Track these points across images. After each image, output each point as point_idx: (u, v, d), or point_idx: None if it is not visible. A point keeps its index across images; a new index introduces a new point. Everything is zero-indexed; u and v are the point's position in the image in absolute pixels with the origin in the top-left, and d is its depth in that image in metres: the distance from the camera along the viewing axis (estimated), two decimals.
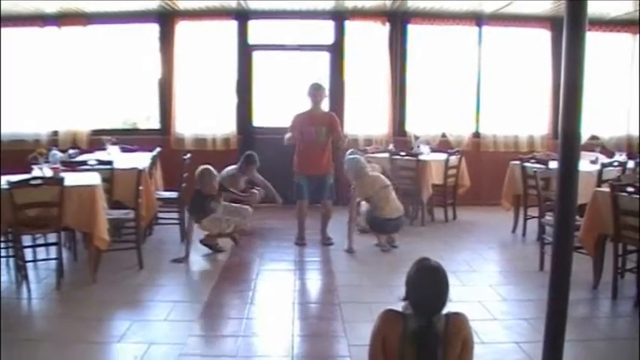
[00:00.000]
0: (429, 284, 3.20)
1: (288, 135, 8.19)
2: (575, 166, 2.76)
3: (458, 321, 3.20)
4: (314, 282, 6.76)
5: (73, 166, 7.49)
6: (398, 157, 9.52)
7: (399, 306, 3.24)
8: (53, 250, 6.51)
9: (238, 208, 8.02)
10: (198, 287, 6.62)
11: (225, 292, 6.41)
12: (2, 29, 10.17)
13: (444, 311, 3.21)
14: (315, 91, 8.22)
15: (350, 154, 8.35)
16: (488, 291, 6.39)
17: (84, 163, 7.61)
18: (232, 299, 6.30)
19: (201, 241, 7.77)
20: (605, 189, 6.24)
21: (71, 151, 8.83)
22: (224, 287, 6.54)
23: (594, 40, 10.60)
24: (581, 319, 5.57)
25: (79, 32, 10.73)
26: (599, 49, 10.90)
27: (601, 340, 5.14)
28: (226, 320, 5.65)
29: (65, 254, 6.96)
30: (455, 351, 3.13)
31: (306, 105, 8.24)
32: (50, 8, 10.25)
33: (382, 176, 8.21)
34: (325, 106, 8.66)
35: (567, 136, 2.71)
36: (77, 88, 10.82)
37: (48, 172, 6.65)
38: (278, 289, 6.51)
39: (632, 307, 5.84)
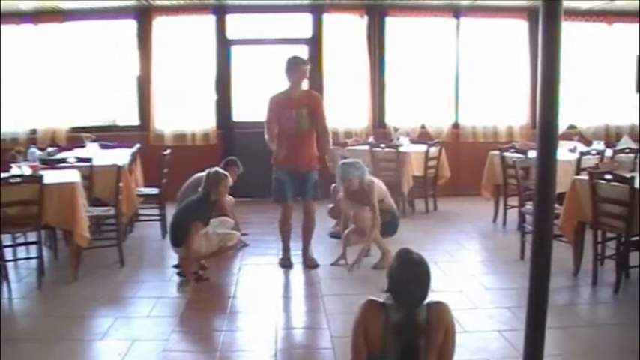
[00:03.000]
0: (410, 277, 3.19)
1: (267, 136, 6.78)
2: (553, 155, 2.77)
3: (439, 310, 3.21)
4: (297, 275, 6.77)
5: (52, 163, 7.43)
6: (378, 149, 9.54)
7: (382, 297, 3.26)
8: (34, 248, 6.45)
9: (222, 219, 6.84)
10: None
11: (207, 288, 6.39)
12: None
13: (426, 301, 3.23)
14: (294, 65, 6.82)
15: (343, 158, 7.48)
16: (470, 280, 6.43)
17: (63, 160, 7.56)
18: (214, 294, 6.29)
19: (179, 270, 6.53)
20: (584, 177, 6.30)
21: (50, 149, 8.76)
22: (206, 282, 6.52)
23: (571, 30, 10.69)
24: (562, 306, 5.63)
25: (55, 29, 10.63)
26: (576, 39, 10.98)
27: (581, 327, 5.19)
28: (209, 315, 5.64)
29: (46, 253, 6.94)
30: (437, 340, 3.14)
31: (284, 85, 6.92)
32: (26, 5, 10.16)
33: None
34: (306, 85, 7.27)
35: (545, 125, 2.72)
36: (55, 85, 10.73)
37: (27, 171, 6.59)
38: (260, 283, 6.51)
39: (611, 293, 5.91)
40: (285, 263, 7.03)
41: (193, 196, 6.55)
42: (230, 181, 6.60)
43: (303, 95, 6.91)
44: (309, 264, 6.98)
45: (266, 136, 6.77)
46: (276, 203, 7.07)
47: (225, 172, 6.56)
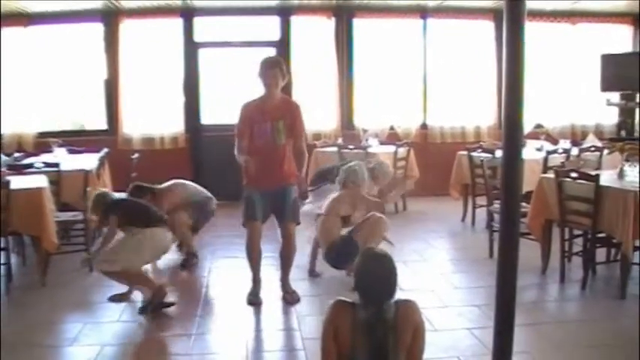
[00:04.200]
0: (374, 272, 3.22)
1: (236, 151, 5.83)
2: (518, 154, 2.80)
3: (408, 308, 3.23)
4: (267, 277, 6.75)
5: (18, 169, 7.35)
6: (347, 150, 9.55)
7: (352, 297, 3.27)
8: (1, 255, 6.37)
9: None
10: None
11: (176, 290, 6.36)
12: None
13: (394, 299, 3.25)
14: (269, 68, 5.74)
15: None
16: (440, 279, 6.48)
17: (30, 165, 7.48)
18: (184, 297, 6.24)
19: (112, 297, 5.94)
20: (550, 175, 6.38)
21: (17, 155, 8.68)
22: (175, 285, 6.48)
23: (536, 31, 10.84)
24: (530, 303, 5.71)
25: (20, 33, 10.50)
26: (542, 39, 11.11)
27: (550, 323, 5.26)
28: (179, 319, 5.60)
29: (14, 259, 6.86)
30: (406, 338, 3.16)
31: (257, 92, 5.89)
32: None
33: None
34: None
35: (510, 124, 2.74)
36: (21, 90, 10.58)
37: None
38: (231, 286, 6.48)
39: (579, 289, 6.00)
40: (253, 300, 5.90)
41: None
42: None
43: (279, 104, 5.85)
44: (289, 299, 5.92)
45: (235, 151, 5.84)
46: (244, 226, 5.95)
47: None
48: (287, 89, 9.84)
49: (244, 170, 5.81)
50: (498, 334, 2.83)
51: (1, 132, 10.60)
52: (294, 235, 6.01)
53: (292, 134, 5.83)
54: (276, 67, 5.75)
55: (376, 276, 3.21)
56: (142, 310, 5.58)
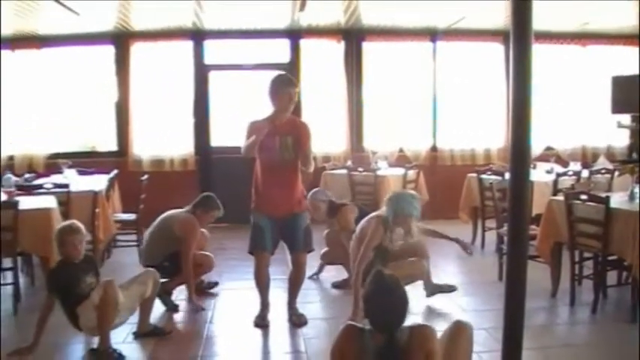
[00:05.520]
0: (382, 298, 3.18)
1: (243, 147, 5.64)
2: (526, 176, 2.79)
3: (422, 333, 3.18)
4: (274, 299, 6.70)
5: (28, 189, 7.37)
6: (356, 172, 9.54)
7: (364, 323, 3.24)
8: (9, 275, 6.37)
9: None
10: (157, 308, 6.53)
11: (184, 314, 6.35)
12: None
13: (409, 323, 3.21)
14: (282, 87, 5.62)
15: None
16: (448, 302, 6.43)
17: (40, 186, 7.50)
18: (192, 320, 6.22)
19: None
20: (560, 197, 6.35)
21: (27, 175, 8.71)
22: (183, 307, 6.46)
23: (547, 53, 10.85)
24: (539, 326, 5.65)
25: (33, 55, 10.61)
26: (552, 61, 11.14)
27: (559, 347, 5.21)
28: (187, 341, 5.56)
29: (22, 279, 6.85)
30: None
31: (266, 110, 5.79)
32: (3, 31, 10.12)
33: None
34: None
35: (518, 147, 2.74)
36: (33, 111, 10.69)
37: (2, 196, 6.55)
38: (238, 308, 6.45)
39: (589, 313, 5.93)
40: (260, 323, 5.85)
41: None
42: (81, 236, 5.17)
43: (289, 122, 5.74)
44: (296, 321, 5.87)
45: (242, 150, 5.66)
46: (251, 250, 5.86)
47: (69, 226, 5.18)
48: (296, 111, 9.91)
49: (253, 194, 5.74)
50: (506, 357, 2.81)
51: (13, 153, 10.68)
52: (305, 263, 5.95)
53: (299, 150, 5.66)
54: (291, 87, 5.65)
55: (384, 302, 3.17)
56: (136, 335, 5.51)
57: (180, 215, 6.56)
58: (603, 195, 5.98)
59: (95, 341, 5.04)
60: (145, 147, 11.01)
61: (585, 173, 8.55)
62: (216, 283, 7.13)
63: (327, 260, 7.39)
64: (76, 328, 5.06)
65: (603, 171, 8.58)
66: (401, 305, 3.19)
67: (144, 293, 5.38)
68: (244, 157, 5.67)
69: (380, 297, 3.19)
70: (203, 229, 6.82)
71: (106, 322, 4.90)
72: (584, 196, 5.98)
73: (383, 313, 3.16)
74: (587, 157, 11.23)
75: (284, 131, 5.65)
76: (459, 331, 3.52)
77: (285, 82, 5.68)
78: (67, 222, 5.35)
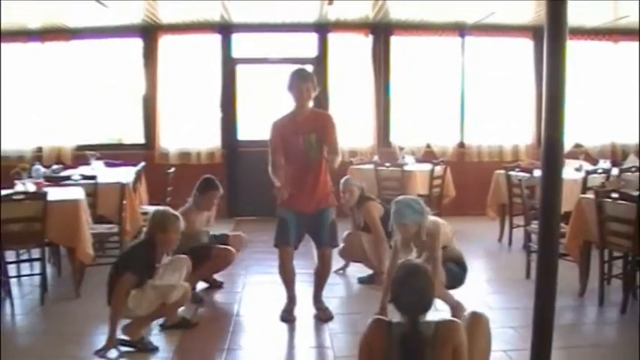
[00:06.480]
0: (409, 282, 3.24)
1: (271, 168, 5.66)
2: (558, 174, 2.76)
3: (449, 328, 3.20)
4: (300, 293, 6.69)
5: (56, 181, 7.44)
6: (383, 167, 9.50)
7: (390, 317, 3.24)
8: (37, 265, 6.45)
9: (173, 259, 5.51)
10: None
11: (210, 306, 6.39)
12: None
13: (437, 318, 3.21)
14: (300, 82, 5.57)
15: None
16: (474, 300, 6.37)
17: (67, 178, 7.56)
18: (218, 312, 6.26)
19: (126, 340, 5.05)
20: (590, 196, 6.26)
21: (55, 167, 8.78)
22: (206, 303, 6.47)
23: (577, 49, 10.73)
24: (568, 326, 5.58)
25: (62, 47, 10.70)
26: (582, 57, 11.01)
27: (588, 347, 5.14)
28: (212, 334, 5.57)
29: (49, 269, 6.90)
30: (444, 356, 3.11)
31: (288, 107, 5.76)
32: (33, 23, 10.22)
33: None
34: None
35: (550, 144, 2.71)
36: (61, 103, 10.79)
37: (31, 187, 6.61)
38: (264, 302, 6.45)
39: (618, 313, 5.84)
40: (287, 317, 5.82)
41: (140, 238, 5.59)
42: (181, 224, 5.25)
43: (310, 117, 5.68)
44: (322, 315, 5.84)
45: (270, 169, 5.67)
46: (276, 244, 5.83)
47: (175, 213, 5.31)
48: (324, 106, 9.93)
49: (277, 192, 5.55)
50: (536, 356, 2.78)
51: (41, 144, 10.78)
52: (331, 258, 5.94)
53: (324, 145, 5.61)
54: (308, 81, 5.61)
55: (410, 286, 3.22)
56: (163, 327, 5.50)
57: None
58: (634, 193, 5.89)
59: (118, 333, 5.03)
60: (172, 140, 11.06)
61: (615, 171, 8.44)
62: (221, 284, 7.00)
63: (346, 257, 7.35)
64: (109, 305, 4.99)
65: (633, 169, 8.47)
66: (427, 288, 3.24)
67: (179, 280, 5.36)
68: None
69: (406, 280, 3.26)
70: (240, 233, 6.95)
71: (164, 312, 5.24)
72: (614, 195, 5.90)
73: (409, 294, 3.20)
74: (617, 155, 11.09)
75: (307, 129, 5.59)
76: (477, 322, 3.54)
77: (301, 77, 5.63)
78: (168, 209, 5.45)
